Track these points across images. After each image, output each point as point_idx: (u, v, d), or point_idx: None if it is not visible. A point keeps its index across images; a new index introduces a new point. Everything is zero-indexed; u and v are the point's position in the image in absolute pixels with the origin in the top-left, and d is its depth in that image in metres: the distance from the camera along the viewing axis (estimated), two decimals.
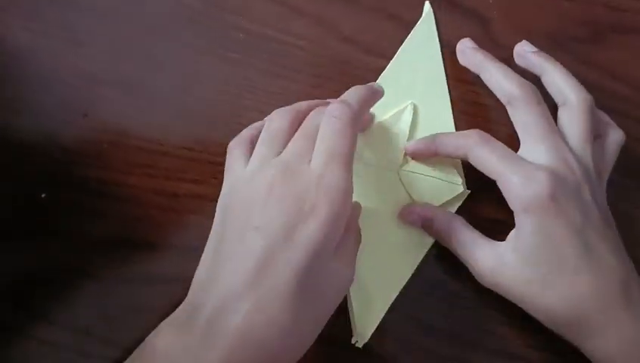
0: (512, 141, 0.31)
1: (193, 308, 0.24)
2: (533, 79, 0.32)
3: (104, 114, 0.33)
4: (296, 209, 0.23)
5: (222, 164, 0.33)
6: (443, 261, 0.33)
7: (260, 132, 0.28)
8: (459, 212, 0.33)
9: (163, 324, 0.24)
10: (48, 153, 0.31)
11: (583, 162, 0.29)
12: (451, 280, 0.33)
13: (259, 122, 0.30)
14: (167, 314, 0.30)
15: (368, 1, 0.37)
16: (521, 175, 0.28)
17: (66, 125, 0.32)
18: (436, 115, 0.35)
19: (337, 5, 0.37)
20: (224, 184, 0.28)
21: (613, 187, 0.34)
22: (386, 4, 0.37)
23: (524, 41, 0.35)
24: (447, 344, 0.32)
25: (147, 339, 0.24)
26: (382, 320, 0.31)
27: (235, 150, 0.29)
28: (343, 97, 0.28)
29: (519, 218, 0.28)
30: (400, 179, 0.33)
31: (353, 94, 0.28)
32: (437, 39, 0.36)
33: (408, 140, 0.33)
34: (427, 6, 0.36)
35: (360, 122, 0.27)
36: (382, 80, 0.35)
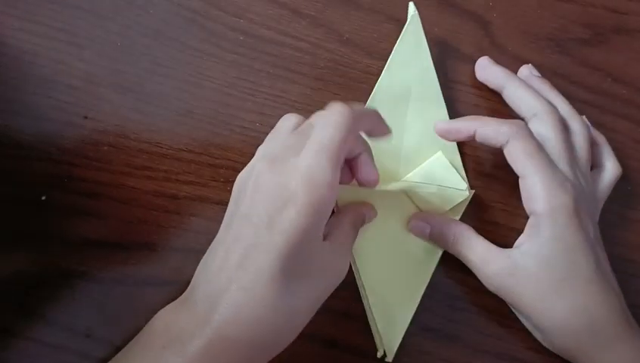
0: None
1: (191, 288, 0.26)
2: None
3: (103, 116, 0.33)
4: (278, 197, 0.24)
5: (222, 166, 0.33)
6: (443, 263, 0.33)
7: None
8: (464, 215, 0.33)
9: (166, 306, 0.26)
10: (48, 155, 0.31)
11: (587, 182, 0.31)
12: (450, 283, 0.33)
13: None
14: None
15: (367, 3, 0.37)
16: (552, 181, 0.28)
17: (67, 127, 0.32)
18: (434, 119, 0.35)
19: (336, 7, 0.37)
20: None
21: (613, 191, 0.34)
22: (386, 6, 0.37)
23: (530, 65, 0.36)
24: (447, 346, 0.32)
25: (150, 320, 0.25)
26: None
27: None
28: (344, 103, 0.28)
29: (541, 222, 0.28)
30: (404, 191, 0.33)
31: (358, 105, 0.28)
32: (425, 40, 0.36)
33: (408, 151, 0.33)
34: (412, 8, 0.36)
35: (358, 128, 0.27)
36: (378, 88, 0.35)
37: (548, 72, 0.37)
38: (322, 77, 0.35)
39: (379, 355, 0.31)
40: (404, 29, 0.35)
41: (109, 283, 0.30)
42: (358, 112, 0.26)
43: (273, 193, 0.24)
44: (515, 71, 0.36)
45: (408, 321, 0.31)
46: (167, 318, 0.25)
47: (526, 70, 0.36)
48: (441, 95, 0.35)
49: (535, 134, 0.30)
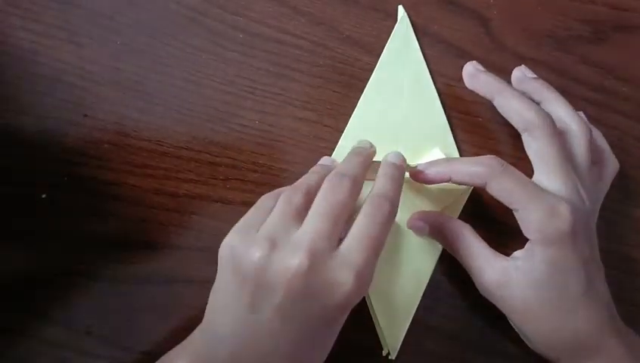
0: (504, 136, 0.31)
1: (209, 350, 0.25)
2: None
3: (103, 114, 0.33)
4: (325, 296, 0.24)
5: (222, 164, 0.33)
6: (443, 263, 0.33)
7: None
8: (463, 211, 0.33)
9: (180, 347, 0.26)
10: (49, 154, 0.32)
11: (587, 190, 0.30)
12: (450, 282, 0.33)
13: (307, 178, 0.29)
14: (167, 314, 0.30)
15: (367, 1, 0.37)
16: (544, 209, 0.27)
17: (67, 125, 0.32)
18: (429, 116, 0.35)
19: (336, 5, 0.37)
20: (240, 221, 0.27)
21: (614, 188, 0.34)
22: (386, 3, 0.37)
23: (523, 66, 0.35)
24: (446, 344, 0.32)
25: (163, 359, 0.26)
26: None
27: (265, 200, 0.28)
28: (378, 184, 0.28)
29: (534, 247, 0.28)
30: (403, 188, 0.33)
31: (387, 181, 0.28)
32: (416, 42, 0.36)
33: (407, 147, 0.33)
34: (402, 10, 0.36)
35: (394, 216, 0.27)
36: (369, 90, 0.35)
37: (548, 70, 0.37)
38: (322, 75, 0.35)
39: (384, 353, 0.31)
40: (393, 31, 0.36)
41: (109, 281, 0.30)
42: (395, 202, 0.27)
43: (318, 293, 0.24)
44: (515, 68, 0.35)
45: (410, 318, 0.31)
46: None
47: (520, 72, 0.34)
48: (436, 94, 0.35)
49: (528, 150, 0.30)
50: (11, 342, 0.29)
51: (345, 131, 0.34)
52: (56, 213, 0.31)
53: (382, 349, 0.31)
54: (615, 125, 0.37)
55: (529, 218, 0.28)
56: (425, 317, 0.32)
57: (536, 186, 0.28)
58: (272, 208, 0.26)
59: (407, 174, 0.31)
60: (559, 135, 0.30)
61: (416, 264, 0.32)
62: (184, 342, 0.26)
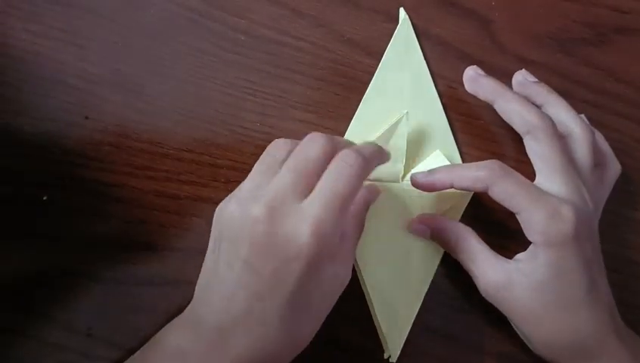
0: (505, 139, 0.31)
1: (197, 318, 0.26)
2: None
3: (105, 116, 0.33)
4: (284, 250, 0.24)
5: (223, 166, 0.33)
6: (444, 265, 0.33)
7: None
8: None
9: (173, 321, 0.26)
10: (50, 155, 0.32)
11: (590, 193, 0.30)
12: (451, 283, 0.33)
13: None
14: (167, 315, 0.30)
15: (368, 3, 0.37)
16: (547, 212, 0.27)
17: (68, 127, 0.32)
18: (430, 118, 0.35)
19: (337, 7, 0.37)
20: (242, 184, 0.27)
21: (616, 191, 0.34)
22: (387, 6, 0.37)
23: (524, 70, 0.35)
24: (447, 346, 0.32)
25: (157, 335, 0.26)
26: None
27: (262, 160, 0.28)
28: (355, 147, 0.27)
29: (537, 249, 0.28)
30: (404, 191, 0.33)
31: (366, 147, 0.28)
32: (417, 44, 0.36)
33: (407, 149, 0.33)
34: (403, 12, 0.36)
35: (367, 174, 0.27)
36: (370, 92, 0.35)
37: (549, 72, 0.37)
38: (323, 77, 0.35)
39: (386, 356, 0.31)
40: (395, 33, 0.36)
41: (110, 283, 0.30)
42: (368, 158, 0.26)
43: (278, 244, 0.24)
44: (516, 70, 0.35)
45: (412, 322, 0.31)
46: (180, 341, 0.25)
47: (521, 76, 0.34)
48: (437, 96, 0.35)
49: (530, 152, 0.30)
50: (11, 342, 0.29)
51: (346, 133, 0.34)
52: (57, 214, 0.31)
53: (384, 352, 0.31)
54: (616, 127, 0.37)
55: (532, 220, 0.28)
56: (426, 319, 0.32)
57: (538, 189, 0.28)
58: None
59: (409, 182, 0.31)
60: (561, 138, 0.30)
61: (418, 267, 0.32)
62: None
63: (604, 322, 0.28)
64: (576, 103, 0.34)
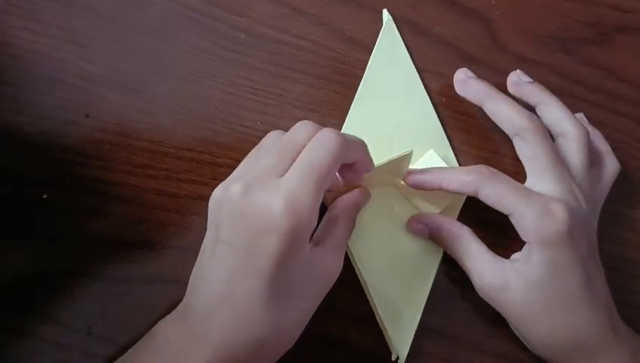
0: (505, 138, 0.31)
1: (187, 303, 0.26)
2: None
3: (105, 115, 0.33)
4: (258, 222, 0.24)
5: (223, 165, 0.33)
6: (443, 264, 0.33)
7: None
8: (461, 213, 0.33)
9: (166, 317, 0.27)
10: (50, 154, 0.32)
11: (584, 192, 0.30)
12: (451, 283, 0.33)
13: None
14: (167, 314, 0.30)
15: (368, 2, 0.37)
16: (538, 211, 0.27)
17: (67, 125, 0.32)
18: (421, 118, 0.35)
19: (338, 5, 0.36)
20: None
21: (614, 190, 0.34)
22: (387, 4, 0.37)
23: (519, 71, 0.35)
24: (447, 346, 0.32)
25: (152, 329, 0.26)
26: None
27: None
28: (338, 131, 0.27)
29: (531, 249, 0.28)
30: (401, 191, 0.33)
31: (350, 135, 0.28)
32: (403, 44, 0.36)
33: (401, 148, 0.33)
34: (386, 14, 0.36)
35: (347, 156, 0.26)
36: (360, 94, 0.35)
37: (550, 72, 0.37)
38: (323, 76, 0.35)
39: (393, 358, 0.31)
40: (379, 36, 0.36)
41: (110, 282, 0.30)
42: (349, 140, 0.26)
43: (252, 218, 0.24)
44: (516, 69, 0.35)
45: (417, 323, 0.31)
46: (168, 331, 0.26)
47: (515, 76, 0.34)
48: (426, 95, 0.35)
49: (520, 154, 0.30)
50: (11, 342, 0.29)
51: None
52: (56, 213, 0.31)
53: (391, 354, 0.31)
54: (617, 126, 0.37)
55: (524, 220, 0.28)
56: (426, 318, 0.32)
57: (527, 189, 0.29)
58: None
59: (401, 184, 0.32)
60: (549, 137, 0.30)
61: (419, 267, 0.32)
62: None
63: (601, 320, 0.28)
64: (577, 103, 0.34)
